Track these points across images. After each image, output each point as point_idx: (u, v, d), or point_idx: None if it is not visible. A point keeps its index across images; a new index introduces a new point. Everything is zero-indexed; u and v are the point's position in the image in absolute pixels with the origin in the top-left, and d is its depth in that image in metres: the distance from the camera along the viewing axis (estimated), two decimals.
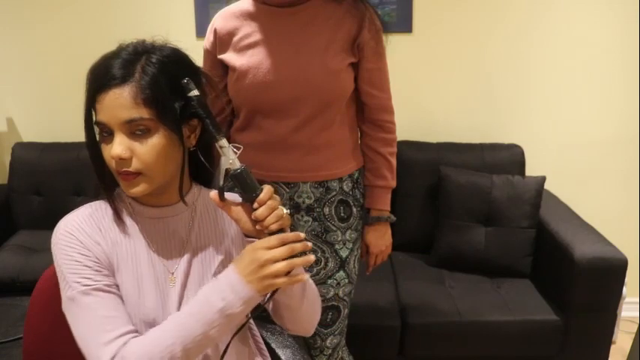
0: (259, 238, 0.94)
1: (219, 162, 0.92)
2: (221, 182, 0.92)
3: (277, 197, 0.92)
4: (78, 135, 2.55)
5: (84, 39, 2.46)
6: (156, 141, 0.88)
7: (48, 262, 1.13)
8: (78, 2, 2.42)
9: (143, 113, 0.86)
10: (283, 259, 0.88)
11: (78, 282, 0.90)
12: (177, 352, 0.86)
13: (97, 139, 0.93)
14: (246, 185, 0.91)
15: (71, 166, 2.38)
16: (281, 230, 0.91)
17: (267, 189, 0.91)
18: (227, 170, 0.92)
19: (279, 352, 1.28)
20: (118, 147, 0.87)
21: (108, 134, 0.89)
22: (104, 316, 0.88)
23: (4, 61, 2.50)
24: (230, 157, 0.92)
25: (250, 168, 0.93)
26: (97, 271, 0.91)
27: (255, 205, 0.90)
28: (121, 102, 0.86)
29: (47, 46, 2.48)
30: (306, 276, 1.00)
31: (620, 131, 2.43)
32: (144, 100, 0.86)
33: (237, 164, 0.92)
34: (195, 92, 0.90)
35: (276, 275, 0.88)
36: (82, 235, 0.93)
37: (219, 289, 0.88)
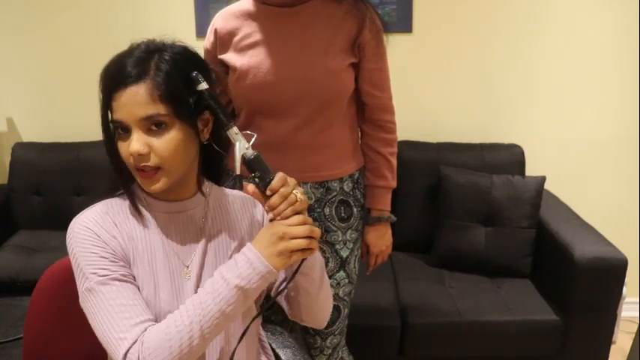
0: None
1: (233, 151, 0.93)
2: (237, 170, 0.93)
3: (291, 182, 0.93)
4: (78, 135, 2.57)
5: (84, 39, 2.46)
6: (173, 135, 0.90)
7: (48, 262, 1.14)
8: (78, 3, 2.42)
9: (160, 109, 0.88)
10: (301, 238, 0.90)
11: (94, 273, 0.90)
12: (195, 332, 0.87)
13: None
14: (261, 170, 0.92)
15: (71, 166, 2.39)
16: (297, 214, 0.92)
17: (278, 176, 0.92)
18: (242, 156, 0.93)
19: (280, 352, 1.28)
20: (136, 143, 0.88)
21: (124, 132, 0.90)
22: (122, 304, 0.89)
23: (4, 61, 2.50)
24: (245, 144, 0.93)
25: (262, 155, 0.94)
26: (113, 262, 0.92)
27: (268, 192, 0.91)
28: (137, 99, 0.87)
29: (47, 47, 2.48)
30: (318, 253, 1.02)
31: (620, 131, 2.43)
32: (160, 96, 0.88)
33: (251, 150, 0.93)
34: (204, 85, 0.92)
35: (293, 250, 0.90)
36: (98, 229, 0.94)
37: (236, 266, 0.90)
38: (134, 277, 0.94)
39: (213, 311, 0.88)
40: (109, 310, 0.89)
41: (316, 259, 1.01)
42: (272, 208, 0.92)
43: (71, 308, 1.01)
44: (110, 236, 0.94)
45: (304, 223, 0.91)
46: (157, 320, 0.93)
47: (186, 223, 1.00)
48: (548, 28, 2.36)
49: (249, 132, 0.96)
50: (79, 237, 0.93)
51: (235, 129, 0.93)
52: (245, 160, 0.93)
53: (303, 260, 0.96)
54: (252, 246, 0.91)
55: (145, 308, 0.91)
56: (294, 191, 0.92)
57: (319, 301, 1.06)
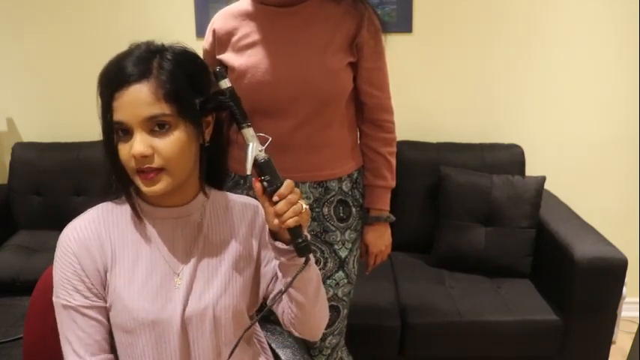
0: (285, 238, 0.94)
1: (246, 152, 0.93)
2: (248, 170, 0.92)
3: (297, 191, 0.92)
4: (78, 135, 2.58)
5: (84, 39, 2.46)
6: (177, 136, 0.88)
7: (48, 262, 1.13)
8: (78, 3, 2.43)
9: (164, 109, 0.87)
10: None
11: (59, 294, 0.95)
12: None
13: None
14: (271, 174, 0.91)
15: (71, 166, 2.39)
16: (299, 227, 0.92)
17: (287, 182, 0.91)
18: (255, 158, 0.92)
19: (279, 352, 1.28)
20: (139, 145, 0.86)
21: (125, 134, 0.88)
22: (73, 334, 0.95)
23: (4, 61, 2.50)
24: (259, 146, 0.93)
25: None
26: (78, 290, 0.95)
27: (276, 198, 0.90)
28: (141, 98, 0.86)
29: (47, 47, 2.48)
30: (315, 268, 1.01)
31: (620, 131, 2.43)
32: (164, 95, 0.86)
33: (263, 153, 0.93)
34: (227, 83, 0.92)
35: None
36: (80, 248, 0.95)
37: None
38: (100, 308, 0.96)
39: None
40: (62, 330, 0.96)
41: (312, 273, 1.00)
42: (278, 215, 0.90)
43: None
44: (88, 255, 0.95)
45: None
46: (139, 327, 0.94)
47: (180, 230, 0.99)
48: (548, 28, 2.36)
49: (263, 134, 0.95)
50: (59, 252, 0.96)
51: (252, 130, 0.93)
52: (257, 163, 0.92)
53: (298, 272, 0.95)
54: None
55: (91, 343, 0.95)
56: (300, 201, 0.91)
57: (314, 315, 1.04)
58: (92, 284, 0.95)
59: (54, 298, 0.96)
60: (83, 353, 0.94)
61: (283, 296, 1.04)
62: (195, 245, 0.99)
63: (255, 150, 0.92)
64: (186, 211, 0.99)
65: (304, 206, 0.91)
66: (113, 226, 0.97)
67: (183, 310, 0.96)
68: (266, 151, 0.94)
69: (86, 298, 0.95)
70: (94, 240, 0.96)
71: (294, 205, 0.90)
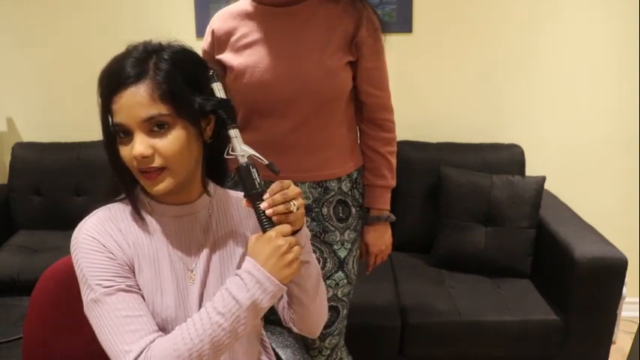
0: None
1: (234, 146, 0.94)
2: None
3: (286, 193, 0.92)
4: (78, 135, 2.57)
5: (84, 39, 2.46)
6: (176, 135, 0.89)
7: (48, 262, 1.14)
8: (78, 3, 2.43)
9: (161, 109, 0.87)
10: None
11: (99, 284, 0.90)
12: (206, 351, 0.86)
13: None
14: (260, 176, 0.93)
15: (71, 166, 2.39)
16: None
17: (276, 182, 0.93)
18: (246, 162, 0.93)
19: (280, 351, 1.29)
20: (139, 146, 0.87)
21: (126, 135, 0.89)
22: (128, 316, 0.89)
23: (4, 61, 2.50)
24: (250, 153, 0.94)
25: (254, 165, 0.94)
26: (118, 273, 0.92)
27: (266, 196, 0.92)
28: (138, 100, 0.86)
29: (47, 46, 2.48)
30: (314, 259, 1.02)
31: (620, 131, 2.43)
32: (160, 95, 0.87)
33: (244, 159, 0.94)
34: (222, 92, 0.93)
35: (295, 261, 0.90)
36: (103, 238, 0.93)
37: (246, 287, 0.88)
38: (139, 287, 0.94)
39: (225, 331, 0.87)
40: (114, 322, 0.88)
41: (312, 269, 1.01)
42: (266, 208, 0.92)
43: (71, 308, 1.02)
44: (116, 245, 0.93)
45: (291, 232, 0.92)
46: (162, 327, 0.93)
47: (190, 227, 1.00)
48: (547, 28, 2.36)
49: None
50: (84, 247, 0.92)
51: (236, 131, 0.94)
52: (235, 169, 0.93)
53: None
54: (257, 263, 0.89)
55: (150, 319, 0.91)
56: (293, 201, 0.92)
57: (312, 312, 1.05)
58: (126, 267, 0.93)
59: (90, 296, 0.90)
60: (151, 329, 0.89)
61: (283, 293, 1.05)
62: (205, 241, 1.00)
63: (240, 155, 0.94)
64: (194, 208, 1.00)
65: (293, 208, 0.92)
66: (127, 226, 0.96)
67: (199, 305, 0.97)
68: (263, 152, 0.94)
69: (127, 278, 0.92)
70: (115, 233, 0.94)
71: (278, 204, 0.91)
